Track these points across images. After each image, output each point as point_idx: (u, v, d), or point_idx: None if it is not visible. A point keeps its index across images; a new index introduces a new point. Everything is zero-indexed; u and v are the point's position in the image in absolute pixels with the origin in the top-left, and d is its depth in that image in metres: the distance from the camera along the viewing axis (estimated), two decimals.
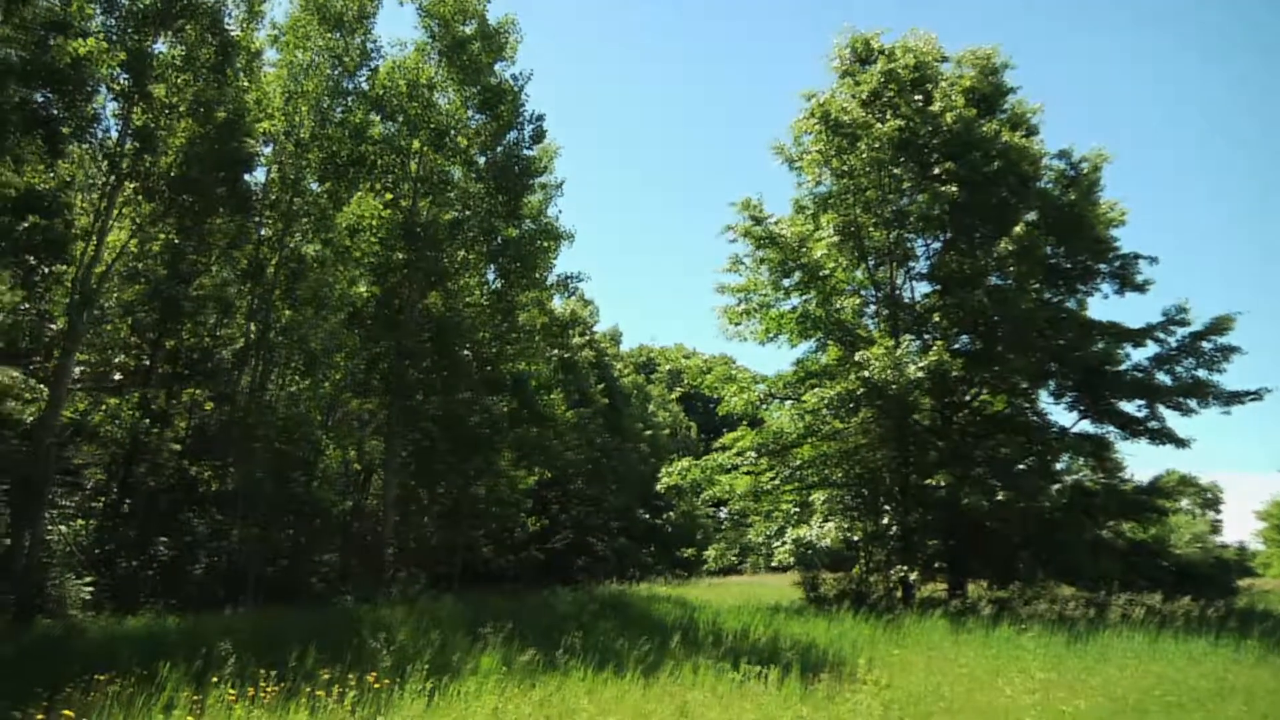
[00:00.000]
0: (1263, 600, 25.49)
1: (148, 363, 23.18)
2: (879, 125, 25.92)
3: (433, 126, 27.02)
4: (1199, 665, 13.12)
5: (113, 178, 19.77)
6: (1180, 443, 26.39)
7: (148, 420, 22.17)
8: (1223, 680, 11.65)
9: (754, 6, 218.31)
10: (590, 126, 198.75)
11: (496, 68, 28.51)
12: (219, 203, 22.13)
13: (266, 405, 24.45)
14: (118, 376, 22.83)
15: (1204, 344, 26.28)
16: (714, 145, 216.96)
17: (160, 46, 20.71)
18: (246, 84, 23.12)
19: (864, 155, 25.85)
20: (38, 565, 17.40)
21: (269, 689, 8.73)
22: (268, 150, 24.70)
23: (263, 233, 24.78)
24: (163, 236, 22.44)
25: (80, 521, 20.76)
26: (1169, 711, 9.47)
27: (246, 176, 23.67)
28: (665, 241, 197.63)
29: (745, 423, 30.12)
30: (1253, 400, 25.75)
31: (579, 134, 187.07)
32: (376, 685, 9.25)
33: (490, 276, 30.37)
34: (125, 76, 19.32)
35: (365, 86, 26.40)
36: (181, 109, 20.82)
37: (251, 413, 23.46)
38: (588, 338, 47.48)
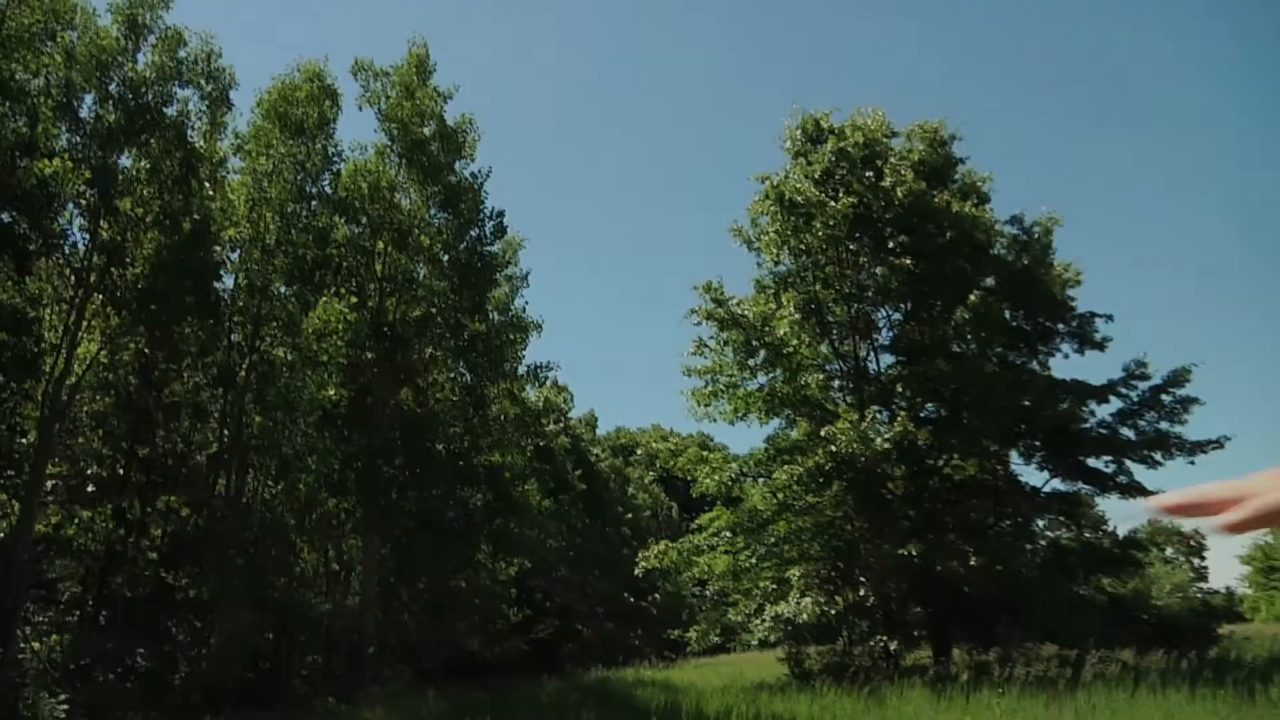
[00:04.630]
0: (1239, 647, 25.49)
1: (122, 472, 23.23)
2: (833, 203, 26.33)
3: (395, 227, 27.36)
4: None
5: (81, 291, 20.09)
6: (1150, 495, 26.51)
7: (123, 530, 22.16)
8: None
9: (710, 91, 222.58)
10: (554, 217, 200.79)
11: (456, 166, 28.93)
12: (188, 310, 22.35)
13: (243, 509, 24.47)
14: (90, 488, 22.85)
15: (1164, 397, 26.64)
16: (677, 228, 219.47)
17: (125, 161, 21.21)
18: (211, 193, 23.56)
19: (820, 233, 26.32)
20: (10, 685, 17.23)
21: None
22: (234, 256, 25.09)
23: (233, 338, 25.02)
24: (133, 346, 22.57)
25: (55, 636, 20.62)
26: None
27: (215, 283, 24.04)
28: (638, 323, 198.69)
29: (720, 501, 30.19)
30: (1215, 449, 26.08)
31: (544, 225, 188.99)
32: None
33: (460, 370, 30.56)
34: (91, 192, 19.75)
35: (328, 190, 26.91)
36: (148, 221, 21.23)
37: (228, 518, 23.46)
38: (563, 424, 47.63)
